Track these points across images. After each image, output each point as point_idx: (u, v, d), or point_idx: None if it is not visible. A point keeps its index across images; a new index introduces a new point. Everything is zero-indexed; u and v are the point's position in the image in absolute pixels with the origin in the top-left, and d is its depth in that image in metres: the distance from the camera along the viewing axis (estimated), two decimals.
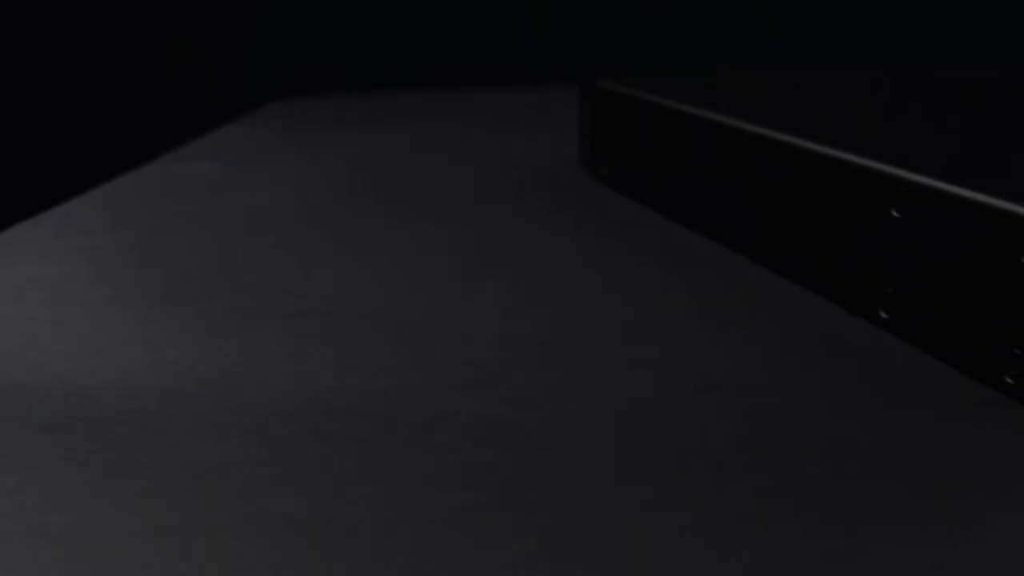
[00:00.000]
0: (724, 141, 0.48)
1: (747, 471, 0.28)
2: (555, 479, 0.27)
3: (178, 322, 0.38)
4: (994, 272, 0.31)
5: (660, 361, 0.35)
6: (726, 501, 0.26)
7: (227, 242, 0.50)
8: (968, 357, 0.33)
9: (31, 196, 0.56)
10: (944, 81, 0.63)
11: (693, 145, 0.51)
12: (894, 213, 0.36)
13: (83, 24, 1.03)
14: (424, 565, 0.23)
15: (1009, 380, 0.31)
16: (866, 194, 0.37)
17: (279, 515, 0.25)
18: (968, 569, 0.23)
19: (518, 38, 1.10)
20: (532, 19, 1.10)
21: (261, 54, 1.07)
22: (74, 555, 0.24)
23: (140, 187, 0.63)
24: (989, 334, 0.32)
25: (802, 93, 0.56)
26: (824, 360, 0.35)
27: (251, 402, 0.31)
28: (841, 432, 0.30)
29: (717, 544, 0.24)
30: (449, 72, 1.06)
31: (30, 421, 0.30)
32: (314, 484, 0.27)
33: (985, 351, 0.32)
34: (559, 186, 0.59)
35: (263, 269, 0.45)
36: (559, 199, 0.57)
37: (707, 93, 0.54)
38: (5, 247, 0.49)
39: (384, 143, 0.77)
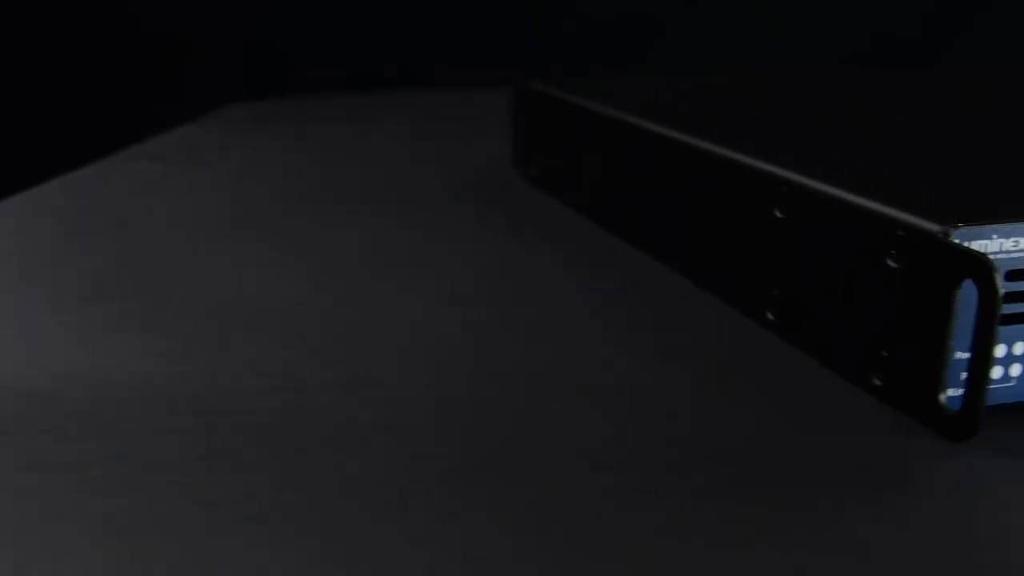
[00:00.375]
0: (629, 141, 0.48)
1: (620, 469, 0.28)
2: (403, 478, 0.27)
3: (75, 322, 0.38)
4: (862, 274, 0.31)
5: (543, 362, 0.35)
6: (591, 495, 0.26)
7: (149, 242, 0.50)
8: (842, 359, 0.33)
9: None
10: (904, 81, 0.63)
11: (603, 145, 0.52)
12: (777, 214, 0.35)
13: (81, 23, 1.03)
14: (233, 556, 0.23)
15: (877, 382, 0.31)
16: (753, 194, 0.37)
17: (100, 515, 0.25)
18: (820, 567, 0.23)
19: (518, 38, 1.10)
20: (532, 19, 1.10)
21: (260, 54, 1.07)
22: None
23: (74, 188, 0.63)
24: (859, 336, 0.32)
25: (732, 95, 0.56)
26: (700, 362, 0.35)
27: (113, 401, 0.31)
28: (701, 433, 0.30)
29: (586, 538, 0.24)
30: (449, 72, 1.06)
31: None
32: (141, 484, 0.27)
33: (856, 353, 0.32)
34: (488, 187, 0.59)
35: (178, 270, 0.45)
36: (482, 200, 0.57)
37: (627, 95, 0.54)
38: None
39: (341, 144, 0.77)
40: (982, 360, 0.27)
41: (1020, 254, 0.29)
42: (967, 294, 0.28)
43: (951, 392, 0.29)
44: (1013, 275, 0.29)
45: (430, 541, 0.24)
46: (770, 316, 0.36)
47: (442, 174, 0.62)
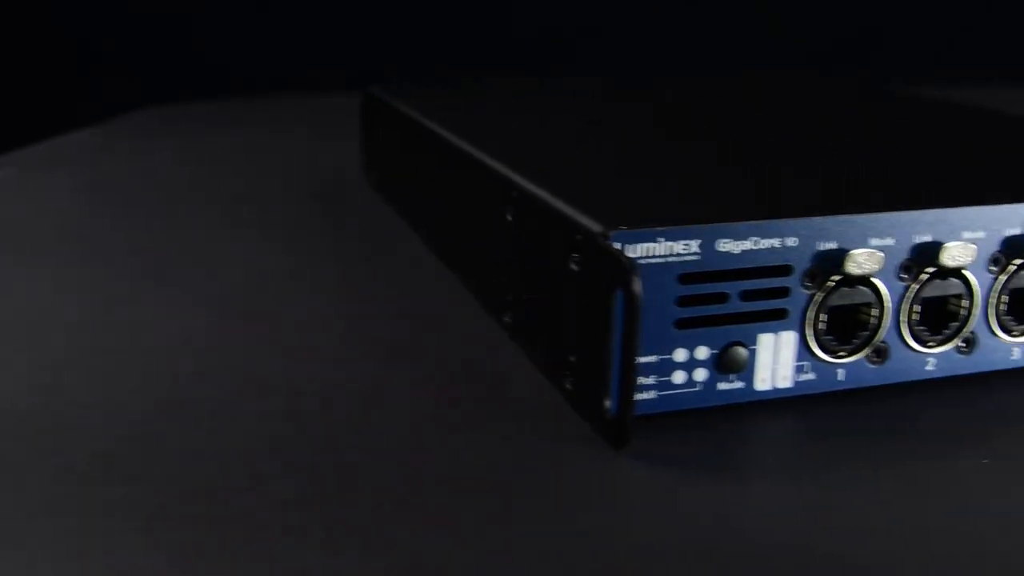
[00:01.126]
0: (421, 145, 0.48)
1: (284, 472, 0.27)
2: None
3: None
4: (556, 277, 0.31)
5: (264, 365, 0.34)
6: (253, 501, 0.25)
7: None
8: (547, 365, 0.32)
9: None
10: (696, 87, 0.62)
11: (405, 149, 0.51)
12: (508, 217, 0.35)
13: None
14: None
15: (568, 387, 0.31)
16: (492, 198, 0.37)
17: None
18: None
19: (518, 39, 1.10)
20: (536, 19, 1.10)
21: (186, 56, 1.07)
22: None
23: None
24: (556, 341, 0.32)
25: (544, 101, 0.55)
26: (426, 367, 0.34)
27: None
28: (395, 437, 0.29)
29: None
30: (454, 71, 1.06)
31: None
32: None
33: (554, 358, 0.32)
34: (329, 193, 0.59)
35: None
36: (310, 205, 0.56)
37: (441, 100, 0.54)
38: None
39: (208, 150, 0.76)
40: (626, 366, 0.27)
41: (692, 257, 0.28)
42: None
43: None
44: (686, 279, 0.29)
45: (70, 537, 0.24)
46: (507, 320, 0.36)
47: (295, 179, 0.62)
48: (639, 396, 0.29)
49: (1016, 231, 0.31)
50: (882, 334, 0.31)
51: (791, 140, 0.44)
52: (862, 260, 0.29)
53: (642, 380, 0.29)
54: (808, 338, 0.30)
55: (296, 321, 0.39)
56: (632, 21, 1.12)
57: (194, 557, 0.24)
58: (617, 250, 0.27)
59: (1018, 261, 0.31)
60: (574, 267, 0.29)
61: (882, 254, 0.30)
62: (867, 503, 0.26)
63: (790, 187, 0.34)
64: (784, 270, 0.29)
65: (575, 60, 1.11)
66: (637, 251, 0.28)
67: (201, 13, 1.08)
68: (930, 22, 1.15)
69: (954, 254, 0.30)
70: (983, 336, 0.32)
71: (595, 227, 0.28)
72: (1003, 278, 0.31)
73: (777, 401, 0.31)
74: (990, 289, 0.32)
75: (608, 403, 0.28)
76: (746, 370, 0.30)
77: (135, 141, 0.81)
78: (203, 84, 1.02)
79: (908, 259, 0.30)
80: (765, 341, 0.30)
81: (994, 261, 0.31)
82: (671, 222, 0.28)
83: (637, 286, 0.26)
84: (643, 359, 0.29)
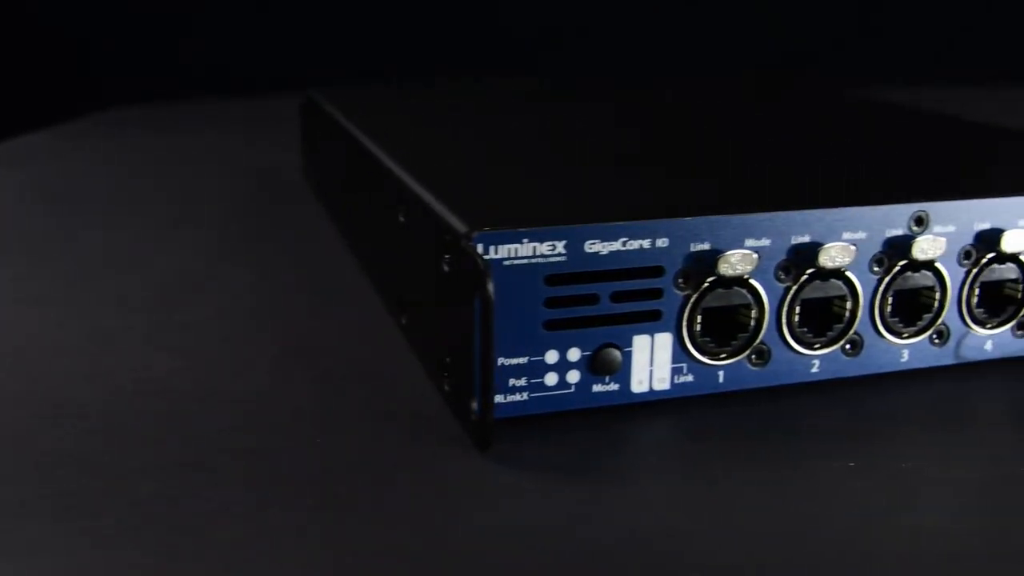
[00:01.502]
0: (341, 149, 0.48)
1: (144, 472, 0.27)
2: None
3: None
4: (433, 278, 0.31)
5: (166, 375, 0.34)
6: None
7: None
8: (430, 366, 0.32)
9: None
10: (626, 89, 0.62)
11: (328, 152, 0.51)
12: (400, 219, 0.35)
13: None
14: None
15: (447, 388, 0.31)
16: (390, 200, 0.36)
17: None
18: None
19: (519, 41, 1.10)
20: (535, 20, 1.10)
21: (164, 55, 1.07)
22: None
23: None
24: (436, 342, 0.31)
25: (465, 104, 0.55)
26: (319, 367, 0.34)
27: None
28: (268, 437, 0.29)
29: None
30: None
31: None
32: None
33: (435, 359, 0.32)
34: (268, 194, 0.59)
35: None
36: (251, 206, 0.56)
37: (372, 104, 0.54)
38: None
39: (162, 151, 0.76)
40: (485, 368, 0.27)
41: (559, 258, 0.28)
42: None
43: (499, 399, 0.29)
44: (552, 280, 0.28)
45: None
46: (403, 322, 0.36)
47: (240, 184, 0.62)
48: (511, 398, 0.29)
49: (899, 232, 0.31)
50: (762, 336, 0.31)
51: (689, 142, 0.44)
52: (735, 261, 0.29)
53: (513, 382, 0.29)
54: (684, 340, 0.30)
55: (199, 321, 0.39)
56: (628, 21, 1.12)
57: (26, 554, 0.24)
58: (473, 251, 0.27)
59: (903, 262, 0.31)
60: (445, 268, 0.29)
61: (756, 255, 0.29)
62: (729, 504, 0.26)
63: (669, 188, 0.34)
64: (656, 271, 0.29)
65: (572, 59, 1.11)
66: (501, 252, 0.28)
67: (180, 12, 1.08)
68: (933, 21, 1.14)
69: (833, 255, 0.30)
70: (869, 338, 0.32)
71: (461, 228, 0.28)
72: (887, 279, 0.31)
73: (655, 403, 0.30)
74: (875, 290, 0.31)
75: (474, 404, 0.28)
76: (621, 372, 0.30)
77: (91, 141, 0.82)
78: (170, 85, 1.02)
79: (786, 260, 0.30)
80: (640, 343, 0.30)
81: (877, 262, 0.31)
82: (536, 223, 0.28)
83: (490, 288, 0.26)
84: (513, 361, 0.29)
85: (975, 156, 0.41)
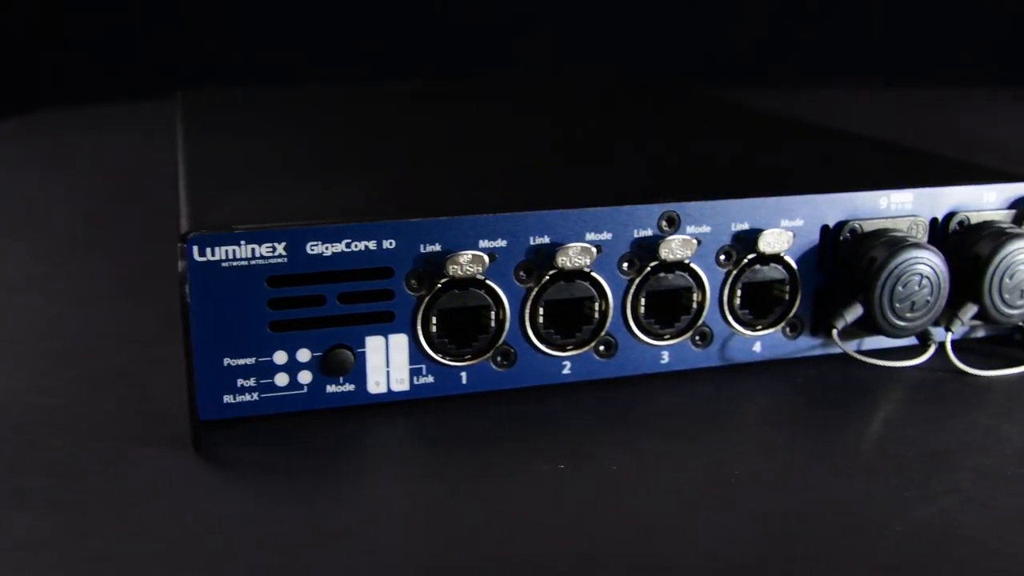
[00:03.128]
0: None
1: None
2: None
3: None
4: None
5: None
6: None
7: None
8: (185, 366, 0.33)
9: None
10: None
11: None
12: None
13: None
14: None
15: (188, 388, 0.31)
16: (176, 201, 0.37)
17: None
18: None
19: (520, 43, 1.11)
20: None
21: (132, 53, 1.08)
22: None
23: None
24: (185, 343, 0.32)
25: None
26: (88, 373, 0.34)
27: None
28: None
29: None
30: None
31: None
32: None
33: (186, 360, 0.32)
34: (137, 198, 0.59)
35: None
36: (111, 210, 0.57)
37: (215, 105, 0.54)
38: None
39: (53, 154, 0.77)
40: (188, 367, 0.27)
41: (279, 260, 0.28)
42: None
43: (228, 399, 0.29)
44: (274, 281, 0.28)
45: None
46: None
47: (111, 188, 0.63)
48: (240, 398, 0.29)
49: (648, 232, 0.31)
50: (505, 337, 0.30)
51: (470, 144, 0.43)
52: (465, 263, 0.29)
53: (242, 382, 0.29)
54: (420, 341, 0.30)
55: None
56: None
57: None
58: (181, 253, 0.27)
59: (654, 263, 0.31)
60: (180, 270, 0.29)
61: (487, 256, 0.29)
62: (434, 508, 0.26)
63: (416, 188, 0.34)
64: (385, 272, 0.29)
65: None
66: (218, 254, 0.28)
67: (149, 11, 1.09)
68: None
69: (572, 256, 0.30)
70: (624, 339, 0.31)
71: (183, 229, 0.28)
72: (638, 280, 0.31)
73: (394, 404, 0.30)
74: (625, 291, 0.31)
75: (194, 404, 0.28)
76: (355, 373, 0.30)
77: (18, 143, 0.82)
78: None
79: (526, 261, 0.30)
80: (373, 344, 0.30)
81: (628, 263, 0.31)
82: (256, 224, 0.28)
83: (185, 290, 0.26)
84: (240, 361, 0.29)
85: (765, 157, 0.41)
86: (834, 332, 0.32)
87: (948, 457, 0.28)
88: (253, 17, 1.08)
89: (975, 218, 0.34)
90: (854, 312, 0.32)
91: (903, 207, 0.33)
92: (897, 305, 0.32)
